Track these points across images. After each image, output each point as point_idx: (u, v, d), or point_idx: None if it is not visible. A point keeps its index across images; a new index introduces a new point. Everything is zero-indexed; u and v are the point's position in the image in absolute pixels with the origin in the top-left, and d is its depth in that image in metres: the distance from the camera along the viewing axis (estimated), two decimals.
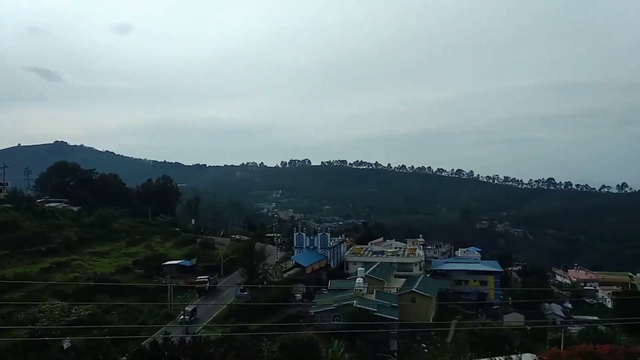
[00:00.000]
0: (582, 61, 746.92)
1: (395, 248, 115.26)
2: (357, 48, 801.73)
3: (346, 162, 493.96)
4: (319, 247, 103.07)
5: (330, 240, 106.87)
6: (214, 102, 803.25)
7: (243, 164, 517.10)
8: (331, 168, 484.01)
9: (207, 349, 11.56)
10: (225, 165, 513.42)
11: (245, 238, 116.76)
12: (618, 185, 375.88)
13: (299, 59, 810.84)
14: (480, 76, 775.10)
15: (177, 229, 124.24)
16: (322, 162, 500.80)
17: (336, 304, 67.27)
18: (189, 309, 64.97)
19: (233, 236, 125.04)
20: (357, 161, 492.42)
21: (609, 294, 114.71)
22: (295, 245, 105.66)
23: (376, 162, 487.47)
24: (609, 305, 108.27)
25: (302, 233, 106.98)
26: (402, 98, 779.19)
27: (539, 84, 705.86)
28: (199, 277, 79.68)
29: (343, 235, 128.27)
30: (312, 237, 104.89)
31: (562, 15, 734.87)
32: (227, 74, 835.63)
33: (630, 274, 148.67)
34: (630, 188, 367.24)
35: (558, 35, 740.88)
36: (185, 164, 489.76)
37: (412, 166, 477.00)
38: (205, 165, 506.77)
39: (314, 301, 74.14)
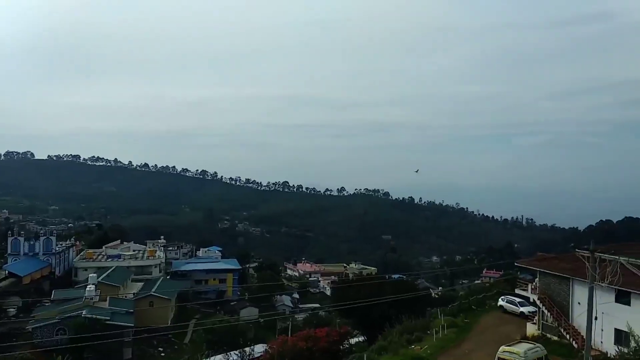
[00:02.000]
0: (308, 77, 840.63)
1: (134, 251, 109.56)
2: (98, 32, 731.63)
3: (79, 157, 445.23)
4: (41, 253, 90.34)
5: (57, 245, 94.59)
6: None
7: None
8: (61, 163, 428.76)
9: None
10: None
11: None
12: (338, 189, 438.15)
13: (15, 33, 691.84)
14: (226, 81, 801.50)
15: None
16: (49, 155, 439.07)
17: (60, 316, 59.72)
18: None
19: None
20: (93, 157, 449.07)
21: (328, 283, 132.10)
22: (9, 251, 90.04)
23: (115, 158, 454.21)
24: (328, 293, 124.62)
25: (18, 238, 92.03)
26: (145, 93, 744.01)
27: (278, 94, 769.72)
28: None
29: (72, 239, 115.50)
30: (32, 242, 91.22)
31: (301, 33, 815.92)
32: None
33: (344, 264, 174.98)
34: (347, 191, 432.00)
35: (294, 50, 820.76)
36: None
37: (156, 165, 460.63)
38: None
39: (32, 315, 64.33)
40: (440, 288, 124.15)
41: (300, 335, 40.43)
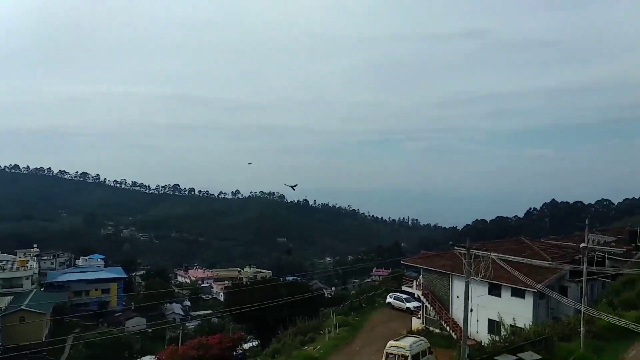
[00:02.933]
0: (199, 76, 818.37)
1: (1, 261, 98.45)
2: None
3: None
4: None
5: None
6: None
7: None
8: None
9: None
10: None
11: None
12: (232, 192, 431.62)
13: None
14: (109, 77, 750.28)
15: None
16: None
17: None
18: None
19: None
20: None
21: (221, 288, 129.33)
22: None
23: None
24: (222, 298, 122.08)
25: None
26: (14, 86, 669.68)
27: (167, 93, 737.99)
28: None
29: None
30: None
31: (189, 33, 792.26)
32: None
33: (238, 269, 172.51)
34: (242, 194, 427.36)
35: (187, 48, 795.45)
36: None
37: (28, 166, 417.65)
38: None
39: None
40: (333, 288, 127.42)
41: (190, 343, 39.10)
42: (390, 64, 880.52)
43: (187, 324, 78.82)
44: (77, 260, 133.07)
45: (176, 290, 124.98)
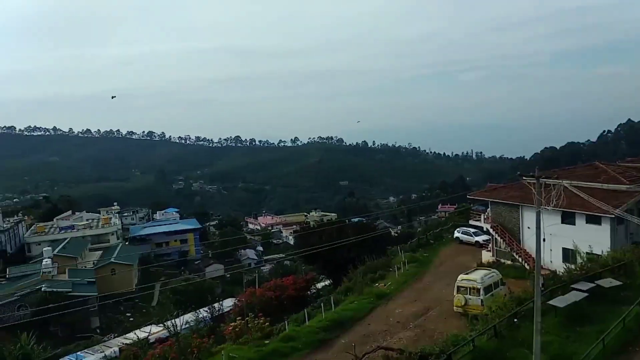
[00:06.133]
0: (253, 29, 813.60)
1: (87, 220, 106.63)
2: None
3: (15, 128, 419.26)
4: None
5: (4, 221, 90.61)
6: None
7: None
8: None
9: None
10: None
11: None
12: (291, 139, 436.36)
13: None
14: (162, 36, 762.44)
15: None
16: None
17: (19, 293, 58.19)
18: None
19: None
20: (30, 127, 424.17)
21: (290, 232, 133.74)
22: None
23: (54, 127, 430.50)
24: (291, 242, 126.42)
25: None
26: (73, 54, 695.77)
27: (218, 47, 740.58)
28: None
29: (20, 214, 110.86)
30: None
31: None
32: None
33: (305, 213, 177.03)
34: (301, 141, 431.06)
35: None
36: None
37: (99, 130, 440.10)
38: None
39: None
40: (399, 227, 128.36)
41: (267, 285, 41.16)
42: None
43: (261, 268, 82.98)
44: (154, 215, 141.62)
45: (248, 237, 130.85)
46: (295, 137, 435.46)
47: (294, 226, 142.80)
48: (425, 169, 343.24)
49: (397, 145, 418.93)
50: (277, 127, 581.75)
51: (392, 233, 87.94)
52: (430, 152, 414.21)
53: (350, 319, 29.90)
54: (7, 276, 69.60)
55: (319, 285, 46.64)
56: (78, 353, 41.90)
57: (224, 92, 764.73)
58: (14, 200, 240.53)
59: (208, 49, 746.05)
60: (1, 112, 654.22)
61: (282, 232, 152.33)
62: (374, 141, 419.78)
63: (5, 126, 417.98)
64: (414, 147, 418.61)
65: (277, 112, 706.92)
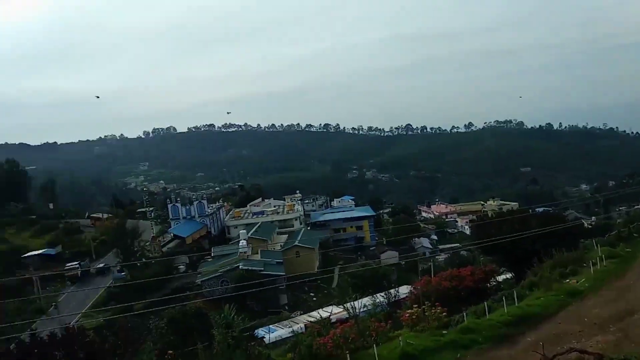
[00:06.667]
0: (420, 14, 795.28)
1: (275, 206, 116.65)
2: (210, 6, 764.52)
3: (214, 125, 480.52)
4: (196, 215, 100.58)
5: (208, 207, 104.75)
6: (55, 71, 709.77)
7: (100, 137, 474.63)
8: (199, 133, 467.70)
9: (83, 338, 10.64)
10: (79, 141, 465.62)
11: (106, 216, 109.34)
12: (465, 125, 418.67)
13: (147, 21, 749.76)
14: (331, 32, 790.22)
15: (34, 217, 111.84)
16: (188, 128, 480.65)
17: (222, 270, 66.83)
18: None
19: (95, 215, 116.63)
20: (226, 124, 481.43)
21: (466, 222, 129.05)
22: (171, 217, 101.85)
23: (245, 123, 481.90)
24: (467, 232, 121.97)
25: (176, 204, 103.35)
26: (260, 56, 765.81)
27: (384, 37, 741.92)
28: (68, 265, 73.38)
29: (221, 201, 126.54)
30: (188, 207, 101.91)
31: None
32: (65, 39, 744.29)
33: (481, 202, 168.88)
34: (475, 126, 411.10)
35: None
36: (32, 144, 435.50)
37: (282, 124, 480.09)
38: (56, 143, 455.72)
39: (198, 270, 72.87)
40: (593, 218, 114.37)
41: (443, 275, 40.42)
42: None
43: (436, 257, 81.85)
44: (332, 202, 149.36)
45: (422, 225, 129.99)
46: (469, 123, 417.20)
47: (470, 215, 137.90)
48: (625, 153, 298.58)
49: (588, 127, 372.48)
50: (449, 114, 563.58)
51: (585, 224, 78.85)
52: (632, 132, 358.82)
53: (536, 315, 27.72)
54: (212, 255, 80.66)
55: (500, 278, 44.20)
56: (270, 326, 46.57)
57: (394, 80, 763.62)
58: (216, 188, 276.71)
59: (377, 38, 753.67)
60: (203, 112, 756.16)
61: (457, 222, 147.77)
62: (560, 123, 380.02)
63: (206, 125, 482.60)
64: (610, 128, 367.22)
65: (450, 98, 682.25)
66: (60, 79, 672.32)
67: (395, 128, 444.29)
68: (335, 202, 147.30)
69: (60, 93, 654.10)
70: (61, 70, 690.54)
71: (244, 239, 76.58)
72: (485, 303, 29.91)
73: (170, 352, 11.91)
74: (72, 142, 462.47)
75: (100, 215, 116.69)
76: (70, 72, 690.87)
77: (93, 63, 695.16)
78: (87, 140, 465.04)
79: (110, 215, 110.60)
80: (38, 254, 78.87)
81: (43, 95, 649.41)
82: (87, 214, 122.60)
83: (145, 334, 31.85)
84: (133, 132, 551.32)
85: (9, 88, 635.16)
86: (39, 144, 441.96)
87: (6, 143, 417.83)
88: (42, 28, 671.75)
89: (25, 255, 77.93)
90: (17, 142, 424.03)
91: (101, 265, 77.57)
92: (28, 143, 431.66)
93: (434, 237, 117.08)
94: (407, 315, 29.79)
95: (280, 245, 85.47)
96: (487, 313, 28.25)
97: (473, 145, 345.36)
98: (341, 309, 37.93)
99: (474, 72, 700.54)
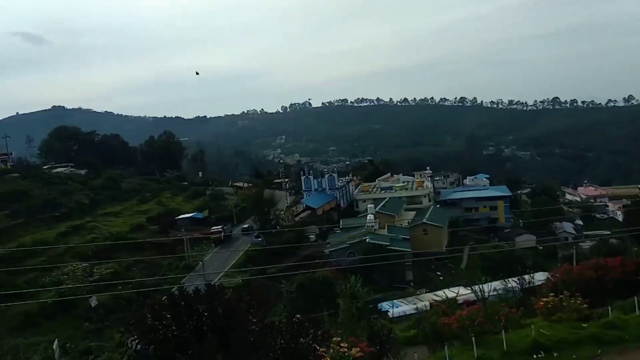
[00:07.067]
0: None
1: (403, 182, 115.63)
2: None
3: (347, 100, 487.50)
4: (327, 188, 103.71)
5: (338, 180, 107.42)
6: (206, 50, 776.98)
7: (244, 112, 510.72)
8: (332, 108, 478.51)
9: (222, 295, 11.85)
10: (226, 115, 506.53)
11: (247, 185, 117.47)
12: (624, 98, 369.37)
13: None
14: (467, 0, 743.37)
15: (186, 183, 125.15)
16: (322, 103, 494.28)
17: (350, 242, 68.53)
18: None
19: (237, 184, 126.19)
20: (358, 99, 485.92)
21: (619, 207, 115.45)
22: (304, 188, 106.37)
23: (377, 97, 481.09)
24: (620, 218, 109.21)
25: (309, 176, 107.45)
26: (394, 29, 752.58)
27: (527, 1, 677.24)
28: (213, 228, 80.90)
29: (350, 175, 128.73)
30: (319, 179, 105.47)
31: None
32: (215, 20, 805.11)
33: (639, 186, 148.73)
34: (637, 100, 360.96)
35: None
36: (186, 117, 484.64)
37: (415, 98, 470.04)
38: (206, 117, 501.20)
39: (327, 241, 75.48)
40: None
41: (587, 264, 36.93)
42: None
43: (580, 244, 74.82)
44: (464, 180, 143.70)
45: (565, 209, 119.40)
46: (630, 96, 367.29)
47: (624, 200, 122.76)
48: None
49: None
50: (604, 85, 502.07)
51: None
52: None
53: None
54: (341, 227, 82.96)
55: None
56: (395, 301, 46.93)
57: (539, 49, 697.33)
58: (346, 162, 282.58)
59: (515, 5, 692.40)
60: (337, 87, 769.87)
61: (607, 206, 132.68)
62: None
63: (340, 99, 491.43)
64: None
65: (606, 67, 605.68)
66: (211, 58, 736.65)
67: (540, 102, 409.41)
68: (467, 180, 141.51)
69: (211, 70, 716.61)
70: (211, 50, 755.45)
71: (372, 213, 77.41)
72: (635, 298, 26.82)
73: (298, 315, 12.63)
74: (219, 116, 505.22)
75: (241, 184, 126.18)
76: (219, 51, 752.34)
77: (239, 42, 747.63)
78: (232, 114, 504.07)
79: (250, 184, 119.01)
80: (189, 217, 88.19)
81: (194, 73, 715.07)
82: (230, 183, 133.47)
83: (277, 297, 34.15)
84: (273, 107, 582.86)
85: (168, 67, 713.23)
86: (192, 117, 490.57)
87: (164, 116, 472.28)
88: (191, 10, 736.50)
89: (178, 217, 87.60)
90: (173, 116, 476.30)
91: (246, 225, 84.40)
92: (182, 116, 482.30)
93: (579, 222, 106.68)
94: (542, 303, 27.89)
95: (408, 222, 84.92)
96: (636, 309, 25.37)
97: (632, 122, 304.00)
98: (469, 291, 36.81)
99: (637, 38, 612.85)
